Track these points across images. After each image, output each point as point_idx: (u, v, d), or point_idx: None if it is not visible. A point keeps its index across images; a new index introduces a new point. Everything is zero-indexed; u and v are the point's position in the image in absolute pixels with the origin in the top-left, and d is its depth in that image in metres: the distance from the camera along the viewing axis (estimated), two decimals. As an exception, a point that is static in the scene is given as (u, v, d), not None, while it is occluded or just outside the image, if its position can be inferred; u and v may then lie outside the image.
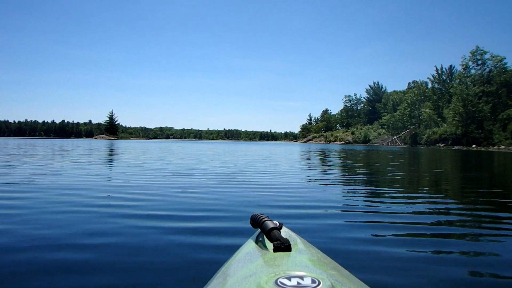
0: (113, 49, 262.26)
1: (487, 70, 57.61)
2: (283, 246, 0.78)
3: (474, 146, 50.73)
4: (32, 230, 2.62)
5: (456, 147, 51.69)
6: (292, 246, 0.79)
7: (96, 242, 2.37)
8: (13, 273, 1.84)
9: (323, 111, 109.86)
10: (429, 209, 3.86)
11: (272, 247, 0.79)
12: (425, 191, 5.51)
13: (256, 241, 0.90)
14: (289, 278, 0.59)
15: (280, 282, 0.58)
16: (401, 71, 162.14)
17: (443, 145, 56.23)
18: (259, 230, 0.92)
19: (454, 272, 1.98)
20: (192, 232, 2.70)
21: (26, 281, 1.77)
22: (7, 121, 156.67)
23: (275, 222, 0.87)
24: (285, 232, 0.90)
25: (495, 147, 47.45)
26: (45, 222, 2.88)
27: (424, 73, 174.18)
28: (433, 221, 3.25)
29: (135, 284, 1.74)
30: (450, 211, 3.83)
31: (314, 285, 0.57)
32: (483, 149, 46.29)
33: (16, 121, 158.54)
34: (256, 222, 0.91)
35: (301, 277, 0.59)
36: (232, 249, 0.97)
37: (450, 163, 14.54)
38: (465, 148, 47.95)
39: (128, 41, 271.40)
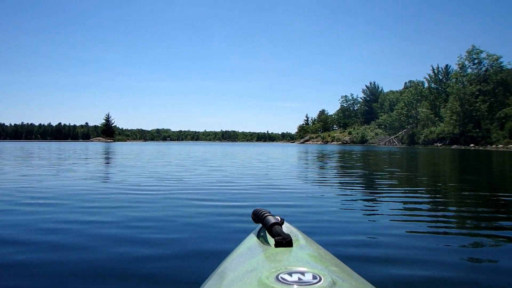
0: (109, 51, 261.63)
1: (484, 69, 57.44)
2: (284, 241, 0.77)
3: (472, 145, 50.50)
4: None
5: (454, 146, 51.48)
6: (293, 241, 0.78)
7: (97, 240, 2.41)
8: None
9: (320, 111, 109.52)
10: (428, 208, 3.87)
11: (274, 242, 0.79)
12: (424, 191, 5.42)
13: (258, 236, 0.90)
14: (290, 274, 0.59)
15: (281, 277, 0.57)
16: (397, 71, 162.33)
17: (440, 144, 56.01)
18: (260, 225, 0.92)
19: (453, 271, 1.96)
20: (193, 226, 2.80)
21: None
22: (3, 124, 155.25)
23: (276, 217, 0.86)
24: (286, 228, 0.89)
25: (493, 146, 47.24)
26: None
27: (420, 73, 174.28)
28: (432, 219, 3.30)
29: (134, 279, 1.77)
30: (449, 208, 3.89)
31: (315, 281, 0.56)
32: (481, 148, 46.10)
33: (13, 124, 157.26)
34: (258, 217, 0.90)
35: (303, 273, 0.59)
36: (234, 244, 0.97)
37: (450, 162, 14.31)
38: (463, 147, 47.74)
39: (124, 43, 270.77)
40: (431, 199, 4.61)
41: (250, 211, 0.96)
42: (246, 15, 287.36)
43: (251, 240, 0.89)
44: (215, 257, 1.97)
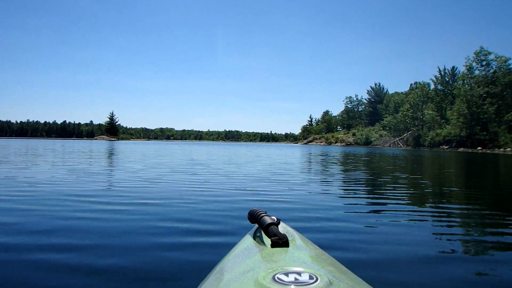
0: (114, 50, 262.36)
1: (492, 71, 56.27)
2: (280, 241, 0.77)
3: (479, 148, 49.47)
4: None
5: (461, 149, 50.49)
6: (289, 241, 0.78)
7: (86, 243, 2.33)
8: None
9: (324, 112, 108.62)
10: (431, 213, 3.76)
11: (270, 243, 0.78)
12: (428, 195, 5.22)
13: (254, 237, 0.89)
14: (286, 274, 0.58)
15: (278, 277, 0.57)
16: (403, 72, 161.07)
17: (447, 147, 54.99)
18: (256, 225, 0.91)
19: (454, 273, 1.92)
20: (188, 228, 2.76)
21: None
22: (9, 121, 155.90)
23: (272, 217, 0.86)
24: (283, 228, 0.89)
25: (501, 149, 46.20)
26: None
27: (426, 75, 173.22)
28: (434, 223, 3.21)
29: (134, 281, 1.77)
30: (452, 213, 3.80)
31: (311, 281, 0.56)
32: (488, 151, 45.10)
33: (18, 122, 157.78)
34: (254, 217, 0.89)
35: (299, 273, 0.59)
36: (230, 245, 0.97)
37: (457, 166, 13.65)
38: (470, 150, 46.76)
39: (129, 42, 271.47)
40: (435, 204, 4.45)
41: (246, 211, 0.95)
42: (249, 15, 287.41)
43: (248, 240, 0.88)
44: (212, 257, 1.96)
